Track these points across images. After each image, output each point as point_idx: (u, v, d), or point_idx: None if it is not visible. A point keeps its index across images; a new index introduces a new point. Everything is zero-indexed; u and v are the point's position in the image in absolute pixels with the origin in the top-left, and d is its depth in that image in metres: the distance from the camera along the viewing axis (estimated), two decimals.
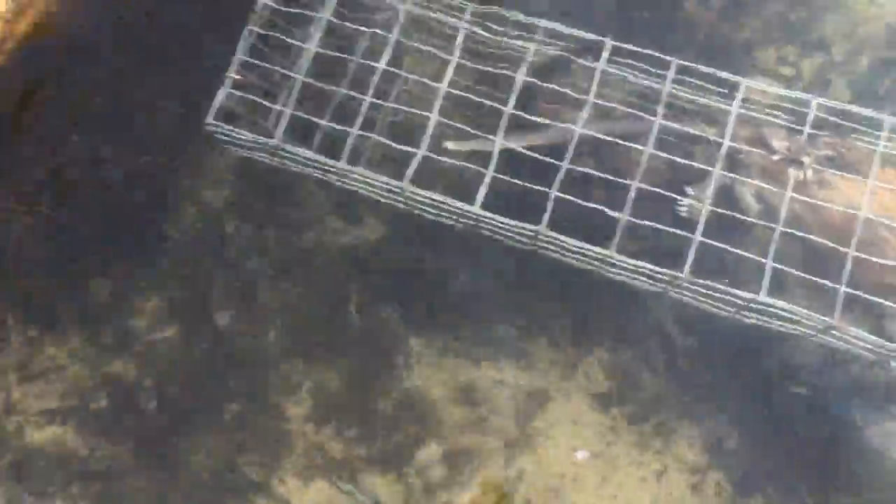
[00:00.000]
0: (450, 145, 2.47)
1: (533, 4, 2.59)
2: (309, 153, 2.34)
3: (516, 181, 2.22)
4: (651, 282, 2.30)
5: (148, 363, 2.57)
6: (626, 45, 2.34)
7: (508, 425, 2.50)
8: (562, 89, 2.34)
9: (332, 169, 2.35)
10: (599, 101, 2.32)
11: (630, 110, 2.35)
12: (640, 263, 2.20)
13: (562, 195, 2.21)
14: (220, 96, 2.32)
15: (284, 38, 2.38)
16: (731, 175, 2.30)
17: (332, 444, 2.50)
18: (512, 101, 2.30)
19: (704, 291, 2.24)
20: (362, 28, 2.41)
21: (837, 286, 2.13)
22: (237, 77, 2.33)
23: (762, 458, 2.45)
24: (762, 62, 2.78)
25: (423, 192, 2.30)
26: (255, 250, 2.66)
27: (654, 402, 2.52)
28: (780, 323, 2.26)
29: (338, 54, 2.42)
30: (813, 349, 2.46)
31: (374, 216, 2.67)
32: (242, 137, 2.35)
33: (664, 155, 2.25)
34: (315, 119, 2.35)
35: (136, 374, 2.57)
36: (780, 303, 2.14)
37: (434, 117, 2.29)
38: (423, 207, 2.38)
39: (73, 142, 2.72)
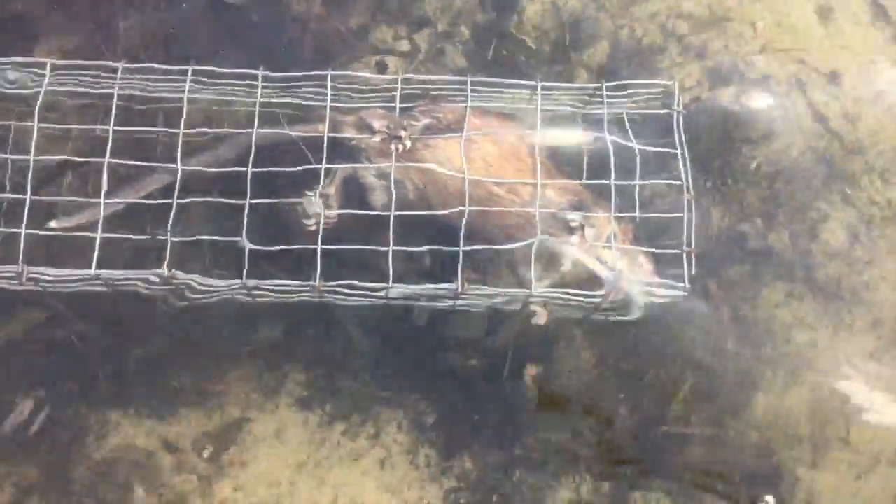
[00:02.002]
0: (53, 224, 2.39)
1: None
2: None
3: (132, 236, 2.27)
4: (301, 295, 2.32)
5: None
6: (204, 68, 2.38)
7: (198, 463, 2.47)
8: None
9: None
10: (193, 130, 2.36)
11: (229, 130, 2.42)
12: (278, 285, 2.24)
13: (181, 239, 2.25)
14: None
15: None
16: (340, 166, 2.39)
17: None
18: (106, 157, 2.27)
19: (350, 291, 2.26)
20: None
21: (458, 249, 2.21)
22: None
23: (460, 424, 2.51)
24: (379, 42, 2.83)
25: (42, 270, 2.24)
26: None
27: (358, 400, 2.54)
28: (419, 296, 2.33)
29: None
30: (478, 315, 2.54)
31: (25, 304, 2.53)
32: None
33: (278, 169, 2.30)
34: None
35: None
36: (413, 286, 2.22)
37: (28, 196, 2.24)
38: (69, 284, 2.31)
39: None
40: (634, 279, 2.30)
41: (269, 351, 2.55)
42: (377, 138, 2.39)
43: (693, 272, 2.26)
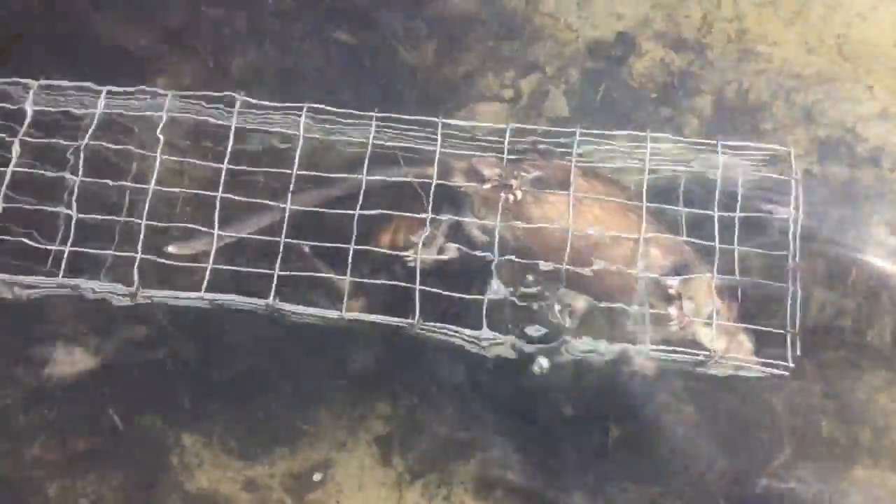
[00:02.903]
0: (171, 249, 2.46)
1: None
2: (28, 279, 2.31)
3: (239, 269, 2.31)
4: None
5: None
6: (321, 106, 2.44)
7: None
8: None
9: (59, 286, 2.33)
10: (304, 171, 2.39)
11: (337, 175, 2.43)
12: (372, 317, 2.27)
13: (287, 273, 2.28)
14: None
15: None
16: (446, 216, 2.41)
17: None
18: (220, 189, 2.36)
19: (445, 332, 2.29)
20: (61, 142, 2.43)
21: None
22: None
23: (539, 477, 2.49)
24: (484, 88, 2.89)
25: (157, 292, 2.32)
26: (7, 382, 2.57)
27: (437, 447, 2.54)
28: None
29: (36, 171, 2.41)
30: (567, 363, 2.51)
31: (127, 320, 2.61)
32: None
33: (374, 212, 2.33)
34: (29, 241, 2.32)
35: None
36: (496, 335, 2.23)
37: (144, 221, 2.32)
38: (172, 301, 2.37)
39: None
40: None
41: (358, 387, 2.57)
42: (487, 186, 2.42)
43: (797, 352, 2.25)
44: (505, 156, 2.41)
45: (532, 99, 2.88)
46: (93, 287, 2.32)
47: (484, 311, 2.20)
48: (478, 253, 2.30)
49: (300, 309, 2.28)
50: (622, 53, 2.93)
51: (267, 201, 2.36)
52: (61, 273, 2.28)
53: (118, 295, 2.33)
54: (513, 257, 2.28)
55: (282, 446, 2.52)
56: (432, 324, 2.25)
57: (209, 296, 2.28)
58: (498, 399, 2.53)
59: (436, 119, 2.42)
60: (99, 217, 2.36)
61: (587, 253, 2.33)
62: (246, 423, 2.55)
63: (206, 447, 2.52)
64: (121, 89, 2.47)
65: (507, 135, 2.41)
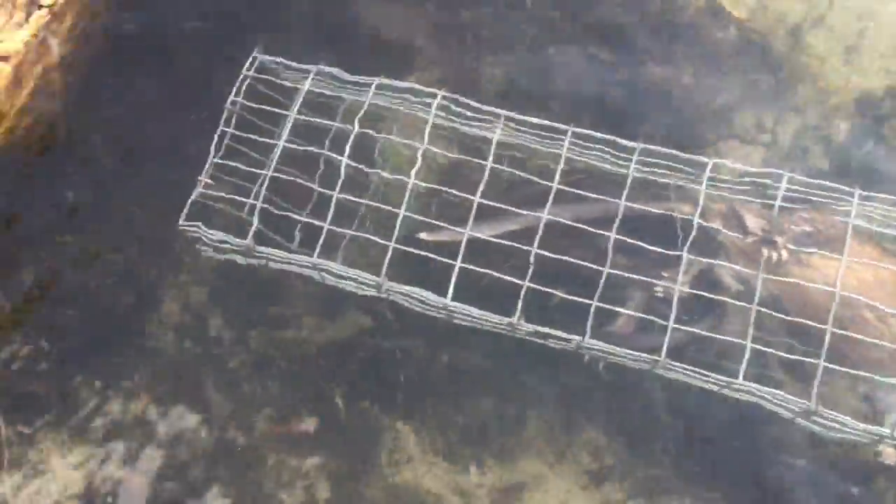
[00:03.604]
0: (423, 236, 2.46)
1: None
2: (279, 252, 2.35)
3: (489, 271, 2.24)
4: (635, 362, 2.28)
5: (137, 461, 2.56)
6: (587, 132, 2.39)
7: None
8: (528, 176, 2.36)
9: (306, 265, 2.37)
10: (565, 188, 2.33)
11: (598, 196, 2.36)
12: (616, 349, 2.20)
13: (533, 286, 2.22)
14: (192, 198, 2.35)
15: (255, 136, 2.43)
16: (704, 259, 2.28)
17: None
18: (480, 188, 2.32)
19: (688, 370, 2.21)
20: (329, 123, 2.48)
21: (817, 364, 2.11)
22: (208, 181, 2.36)
23: None
24: (739, 128, 2.78)
25: (398, 286, 2.32)
26: (239, 346, 2.65)
27: (645, 483, 2.47)
28: (763, 401, 2.22)
29: (307, 148, 2.45)
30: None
31: (355, 310, 2.65)
32: (215, 238, 2.37)
33: (630, 241, 2.24)
34: (292, 214, 2.39)
35: (125, 473, 2.56)
36: (757, 386, 2.11)
37: (402, 212, 2.31)
38: (404, 300, 2.39)
39: (56, 242, 2.76)
40: None
41: (569, 409, 2.54)
42: (749, 239, 2.30)
43: None
44: (777, 205, 2.28)
45: (789, 148, 2.75)
46: (342, 272, 2.34)
47: (745, 358, 2.10)
48: (734, 301, 2.21)
49: (540, 329, 2.24)
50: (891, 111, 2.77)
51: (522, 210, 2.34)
52: (316, 252, 2.32)
53: (364, 284, 2.35)
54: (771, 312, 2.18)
55: (489, 456, 2.51)
56: (679, 364, 2.18)
57: (452, 304, 2.25)
58: (718, 449, 2.46)
59: (706, 159, 2.33)
60: (358, 200, 2.38)
61: (849, 322, 2.20)
62: (458, 426, 2.55)
63: (417, 445, 2.53)
64: (389, 81, 2.49)
65: (783, 183, 2.29)
